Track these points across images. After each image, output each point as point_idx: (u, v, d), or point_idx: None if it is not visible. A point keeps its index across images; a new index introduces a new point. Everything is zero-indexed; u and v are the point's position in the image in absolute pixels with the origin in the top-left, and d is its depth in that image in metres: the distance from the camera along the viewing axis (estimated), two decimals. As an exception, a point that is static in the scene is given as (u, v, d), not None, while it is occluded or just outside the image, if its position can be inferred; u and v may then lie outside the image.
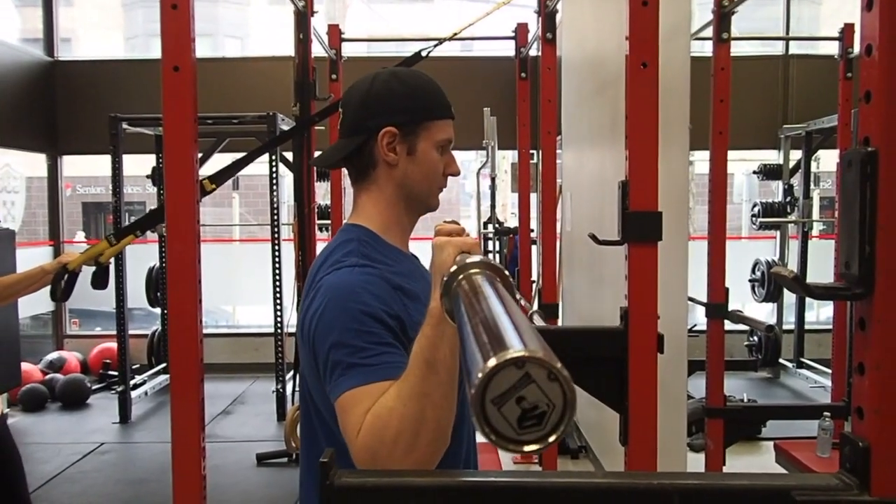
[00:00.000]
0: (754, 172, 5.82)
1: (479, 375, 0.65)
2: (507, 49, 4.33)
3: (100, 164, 6.57)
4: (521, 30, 4.20)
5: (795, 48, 5.82)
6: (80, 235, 9.60)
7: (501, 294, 0.78)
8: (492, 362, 0.64)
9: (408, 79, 1.29)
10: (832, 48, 4.49)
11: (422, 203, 1.31)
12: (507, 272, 0.90)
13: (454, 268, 0.89)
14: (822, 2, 5.74)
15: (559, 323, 3.70)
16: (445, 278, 0.89)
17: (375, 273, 1.19)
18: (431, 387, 0.98)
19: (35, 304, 6.33)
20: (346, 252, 1.21)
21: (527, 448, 0.66)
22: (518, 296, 3.45)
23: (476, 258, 0.91)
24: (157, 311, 6.28)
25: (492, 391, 0.65)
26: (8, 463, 2.39)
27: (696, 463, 3.63)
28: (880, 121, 0.74)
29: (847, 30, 4.41)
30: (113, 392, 5.62)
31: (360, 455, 1.01)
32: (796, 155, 5.64)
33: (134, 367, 5.81)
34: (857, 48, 0.77)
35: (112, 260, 2.49)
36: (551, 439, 0.66)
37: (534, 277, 4.26)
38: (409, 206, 1.30)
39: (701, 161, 3.77)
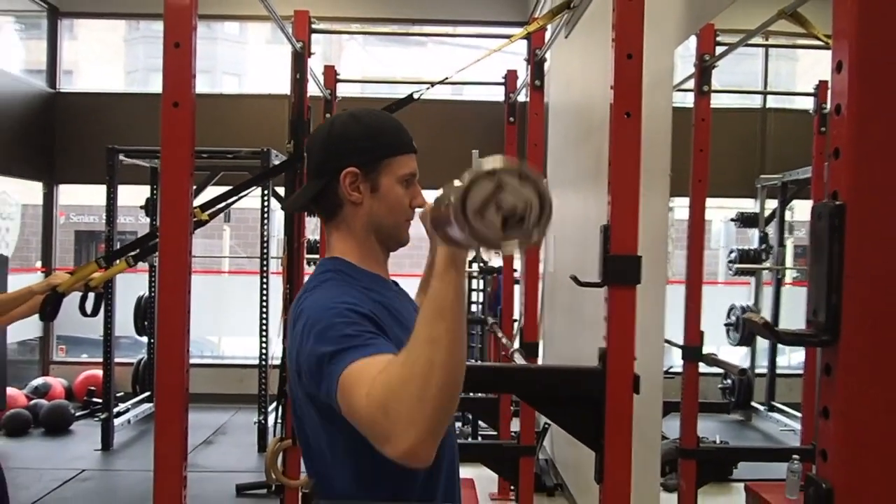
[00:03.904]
0: (731, 220, 5.98)
1: (458, 188, 0.78)
2: (497, 94, 4.47)
3: (94, 193, 6.66)
4: (511, 76, 4.34)
5: (773, 102, 6.01)
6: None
7: None
8: (467, 176, 0.77)
9: (366, 119, 1.32)
10: (807, 103, 4.66)
11: (391, 237, 1.33)
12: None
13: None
14: (799, 58, 5.96)
15: (539, 362, 3.79)
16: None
17: (355, 284, 1.25)
18: (439, 332, 0.97)
19: (23, 330, 6.37)
20: (324, 279, 1.26)
21: (508, 244, 0.79)
22: (500, 334, 3.47)
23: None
24: (144, 339, 6.33)
25: (471, 203, 0.78)
26: None
27: (669, 503, 3.69)
28: (848, 177, 0.78)
29: (822, 86, 4.55)
30: (96, 419, 5.64)
31: (370, 412, 0.97)
32: (772, 204, 5.80)
33: (118, 394, 5.83)
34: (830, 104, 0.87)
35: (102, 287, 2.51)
36: (534, 236, 0.79)
37: (516, 316, 4.36)
38: (380, 241, 1.33)
39: (680, 207, 3.88)
